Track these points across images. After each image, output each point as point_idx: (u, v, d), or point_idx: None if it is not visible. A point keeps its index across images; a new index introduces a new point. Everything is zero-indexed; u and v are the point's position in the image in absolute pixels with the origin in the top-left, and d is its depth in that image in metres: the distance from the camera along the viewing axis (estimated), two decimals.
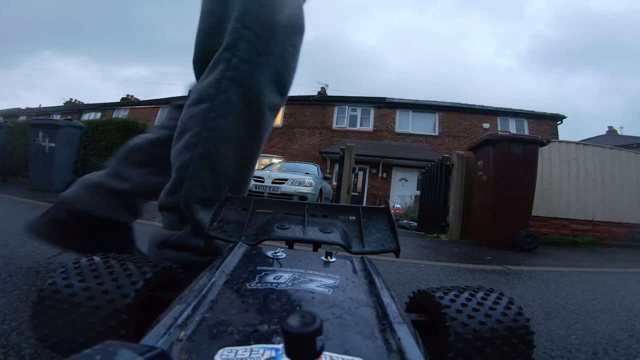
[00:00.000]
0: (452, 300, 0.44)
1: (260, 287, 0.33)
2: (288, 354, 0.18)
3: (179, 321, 0.25)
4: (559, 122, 13.26)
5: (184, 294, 0.33)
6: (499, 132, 4.23)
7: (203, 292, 0.31)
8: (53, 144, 4.63)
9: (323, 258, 0.46)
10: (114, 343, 0.18)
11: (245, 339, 0.23)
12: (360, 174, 12.68)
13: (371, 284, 0.38)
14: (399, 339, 0.25)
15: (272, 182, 5.96)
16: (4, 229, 1.56)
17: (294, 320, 0.18)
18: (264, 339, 0.24)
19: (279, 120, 14.77)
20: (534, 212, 3.83)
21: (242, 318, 0.27)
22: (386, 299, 0.33)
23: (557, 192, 4.58)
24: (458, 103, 14.34)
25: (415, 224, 6.11)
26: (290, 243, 0.56)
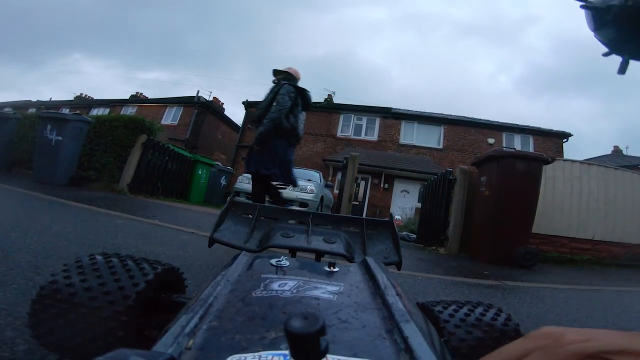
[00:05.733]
0: (451, 315, 0.45)
1: (265, 295, 0.34)
2: (294, 356, 0.19)
3: (187, 330, 0.26)
4: (565, 139, 13.19)
5: (190, 304, 0.33)
6: (504, 148, 4.23)
7: (209, 301, 0.31)
8: (60, 138, 4.67)
9: (326, 267, 0.47)
10: (125, 351, 0.18)
11: (253, 347, 0.24)
12: (362, 183, 12.63)
13: (375, 286, 0.38)
14: (407, 337, 0.25)
15: None
16: (5, 220, 1.57)
17: (296, 322, 0.19)
18: (272, 345, 0.24)
19: None
20: (535, 230, 3.81)
21: (249, 326, 0.27)
22: (391, 298, 0.34)
23: (559, 210, 4.56)
24: (464, 117, 14.27)
25: (415, 236, 6.08)
26: (293, 251, 0.57)
